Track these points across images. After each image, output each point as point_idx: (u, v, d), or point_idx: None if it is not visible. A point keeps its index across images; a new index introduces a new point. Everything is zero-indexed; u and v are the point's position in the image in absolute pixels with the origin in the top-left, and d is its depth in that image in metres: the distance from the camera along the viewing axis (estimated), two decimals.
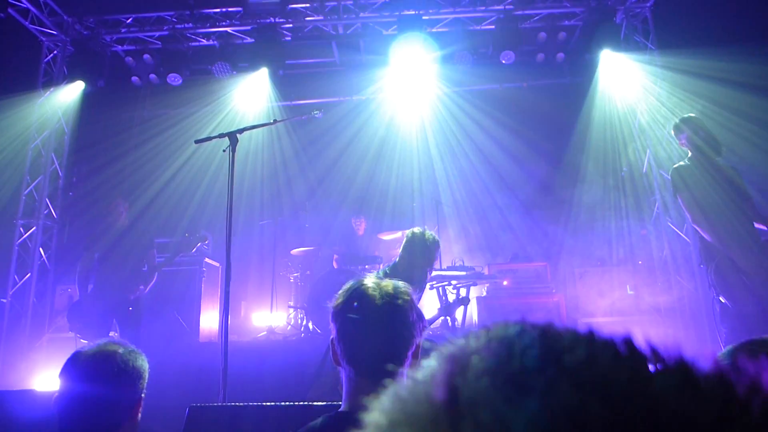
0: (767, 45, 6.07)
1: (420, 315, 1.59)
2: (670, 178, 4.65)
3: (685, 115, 4.72)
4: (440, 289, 5.85)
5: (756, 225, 4.21)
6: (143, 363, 1.82)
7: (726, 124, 6.16)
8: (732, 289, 4.00)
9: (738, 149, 5.85)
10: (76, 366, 1.71)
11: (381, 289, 1.56)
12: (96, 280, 5.55)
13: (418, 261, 4.31)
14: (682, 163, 4.52)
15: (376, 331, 1.51)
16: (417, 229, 4.48)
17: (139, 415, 1.80)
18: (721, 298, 4.08)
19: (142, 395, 1.81)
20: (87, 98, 7.92)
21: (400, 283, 1.62)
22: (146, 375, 1.83)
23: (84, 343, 5.26)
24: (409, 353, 1.53)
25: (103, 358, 1.72)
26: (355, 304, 1.53)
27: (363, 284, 1.58)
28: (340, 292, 1.61)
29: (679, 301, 6.58)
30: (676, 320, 6.24)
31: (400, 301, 1.54)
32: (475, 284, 6.19)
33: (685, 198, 4.33)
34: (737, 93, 6.32)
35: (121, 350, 1.77)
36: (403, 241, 4.48)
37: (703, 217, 4.20)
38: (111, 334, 5.56)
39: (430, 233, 4.43)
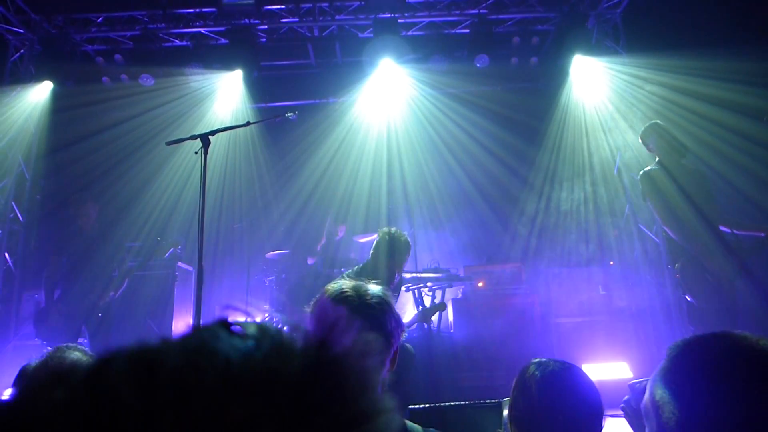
0: (735, 51, 6.24)
1: (399, 321, 1.59)
2: (639, 181, 4.77)
3: (651, 122, 4.87)
4: (416, 291, 5.87)
5: (720, 227, 4.34)
6: None
7: (694, 128, 6.31)
8: (698, 289, 4.11)
9: (706, 152, 6.00)
10: (24, 378, 1.66)
11: (361, 296, 1.56)
12: (64, 286, 5.42)
13: (385, 261, 4.34)
14: (650, 167, 4.65)
15: None
16: (388, 229, 4.50)
17: None
18: (687, 297, 4.18)
19: None
20: (55, 98, 7.73)
21: (381, 291, 1.61)
22: None
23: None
24: (387, 359, 1.53)
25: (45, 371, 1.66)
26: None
27: (343, 291, 1.57)
28: (319, 297, 1.60)
29: (649, 300, 6.72)
30: (646, 319, 6.36)
31: (380, 309, 1.54)
32: (450, 286, 6.22)
33: (654, 201, 4.45)
34: (706, 97, 6.47)
35: (69, 360, 1.71)
36: (375, 241, 4.50)
37: (671, 219, 4.32)
38: (80, 341, 5.44)
39: (401, 234, 4.45)
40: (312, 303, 1.62)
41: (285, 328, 0.48)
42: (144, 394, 0.38)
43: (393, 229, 4.54)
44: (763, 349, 1.01)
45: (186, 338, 0.45)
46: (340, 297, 1.56)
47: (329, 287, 1.63)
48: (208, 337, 0.44)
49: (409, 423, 1.68)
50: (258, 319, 0.51)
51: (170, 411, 0.37)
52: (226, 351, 0.42)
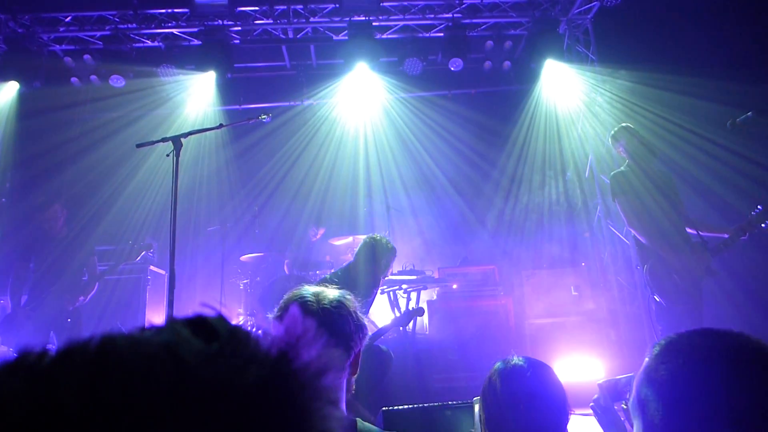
0: (704, 54, 6.43)
1: (359, 325, 1.59)
2: (609, 183, 4.87)
3: (621, 125, 4.96)
4: (391, 293, 5.89)
5: (687, 229, 4.46)
6: None
7: (664, 130, 6.47)
8: (665, 289, 4.21)
9: (674, 155, 6.16)
10: None
11: (320, 299, 1.56)
12: (31, 291, 5.28)
13: (369, 267, 4.35)
14: (621, 169, 4.75)
15: None
16: (375, 236, 4.52)
17: None
18: (656, 297, 4.28)
19: None
20: (22, 99, 7.55)
21: (342, 293, 1.62)
22: None
23: None
24: (348, 363, 1.53)
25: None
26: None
27: (302, 294, 1.57)
28: (281, 302, 1.60)
29: (620, 301, 6.86)
30: (617, 319, 6.49)
31: (337, 312, 1.55)
32: (425, 288, 6.26)
33: (621, 203, 4.54)
34: (673, 101, 6.64)
35: None
36: (360, 245, 4.51)
37: (638, 221, 4.43)
38: (49, 347, 5.31)
39: (387, 241, 4.48)
40: (277, 308, 1.62)
41: (256, 332, 0.47)
42: (85, 391, 0.37)
43: (378, 235, 4.57)
44: (744, 344, 1.04)
45: (148, 335, 0.43)
46: (299, 301, 1.56)
47: (292, 291, 1.63)
48: (171, 335, 0.43)
49: (361, 423, 1.67)
50: (234, 321, 0.49)
51: (109, 413, 0.36)
52: (184, 353, 0.41)
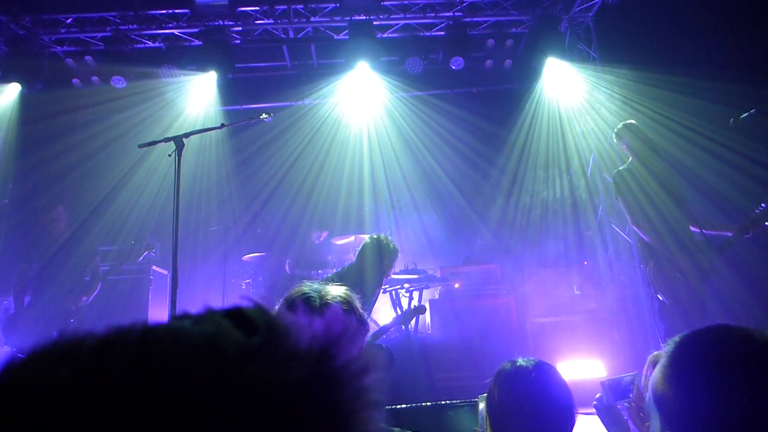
0: (706, 53, 6.41)
1: (362, 321, 1.59)
2: (612, 181, 4.85)
3: (626, 122, 4.94)
4: (393, 292, 5.88)
5: (690, 227, 4.44)
6: None
7: (666, 128, 6.46)
8: (669, 287, 4.20)
9: (676, 153, 6.14)
10: None
11: (321, 296, 1.56)
12: (34, 292, 5.29)
13: (372, 266, 4.35)
14: (623, 167, 4.73)
15: None
16: (377, 236, 4.52)
17: None
18: (659, 296, 4.27)
19: None
20: (24, 101, 7.55)
21: (342, 290, 1.62)
22: None
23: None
24: None
25: None
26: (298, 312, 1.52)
27: (303, 291, 1.58)
28: (283, 299, 1.60)
29: (622, 299, 6.84)
30: (619, 318, 6.48)
31: (339, 308, 1.55)
32: (427, 287, 6.26)
33: (625, 200, 4.53)
34: (675, 99, 6.62)
35: None
36: (362, 245, 4.51)
37: (642, 219, 4.41)
38: None
39: (389, 240, 4.48)
40: (279, 305, 1.62)
41: (294, 325, 0.46)
42: (131, 382, 0.37)
43: (381, 235, 4.57)
44: (761, 340, 1.04)
45: (188, 324, 0.43)
46: (302, 298, 1.57)
47: (295, 288, 1.63)
48: (212, 326, 0.43)
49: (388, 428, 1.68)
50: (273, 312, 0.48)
51: (155, 404, 0.36)
52: (226, 346, 0.41)
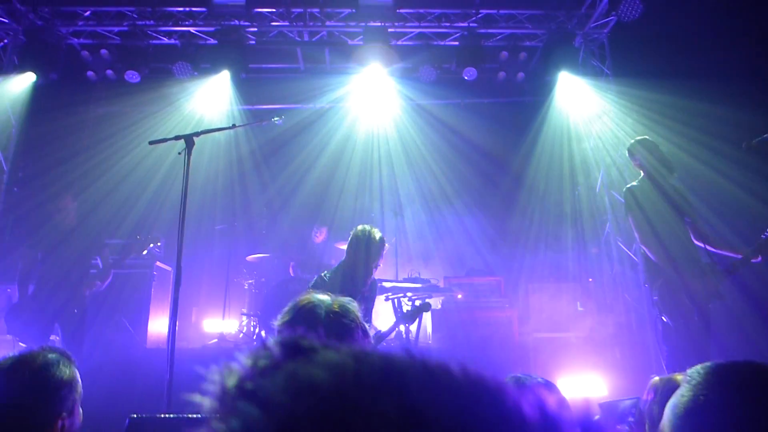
0: (719, 73, 6.38)
1: (365, 332, 1.59)
2: (622, 198, 4.80)
3: (640, 137, 4.89)
4: (395, 300, 5.86)
5: (695, 242, 4.39)
6: (67, 374, 1.72)
7: (678, 146, 6.42)
8: (674, 309, 4.15)
9: (688, 171, 6.10)
10: None
11: (327, 307, 1.56)
12: (38, 281, 5.30)
13: (362, 258, 4.40)
14: (635, 183, 4.67)
15: None
16: (361, 227, 4.56)
17: (70, 426, 1.71)
18: (663, 317, 4.23)
19: (71, 407, 1.72)
20: (38, 91, 7.60)
21: (347, 301, 1.62)
22: (75, 386, 1.74)
23: (23, 347, 5.00)
24: None
25: (14, 371, 1.64)
26: (302, 323, 1.52)
27: (310, 301, 1.57)
28: (286, 308, 1.60)
29: (625, 318, 6.79)
30: (622, 337, 6.43)
31: (346, 320, 1.55)
32: (430, 297, 6.23)
33: (635, 217, 4.47)
34: (688, 117, 6.59)
35: (39, 361, 1.68)
36: (349, 239, 4.55)
37: (651, 237, 4.35)
38: (52, 337, 5.33)
39: (374, 231, 4.51)
40: (283, 314, 1.61)
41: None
42: (402, 399, 0.40)
43: (367, 227, 4.61)
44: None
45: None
46: (307, 307, 1.56)
47: (299, 298, 1.63)
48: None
49: None
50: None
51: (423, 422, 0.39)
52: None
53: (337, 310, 1.56)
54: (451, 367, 0.45)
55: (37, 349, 1.75)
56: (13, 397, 1.62)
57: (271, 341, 0.47)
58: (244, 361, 0.46)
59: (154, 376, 5.13)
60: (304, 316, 1.53)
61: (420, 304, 4.97)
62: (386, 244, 4.67)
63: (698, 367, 1.11)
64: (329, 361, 0.44)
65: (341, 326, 1.53)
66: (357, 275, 4.35)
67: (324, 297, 1.61)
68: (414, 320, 5.08)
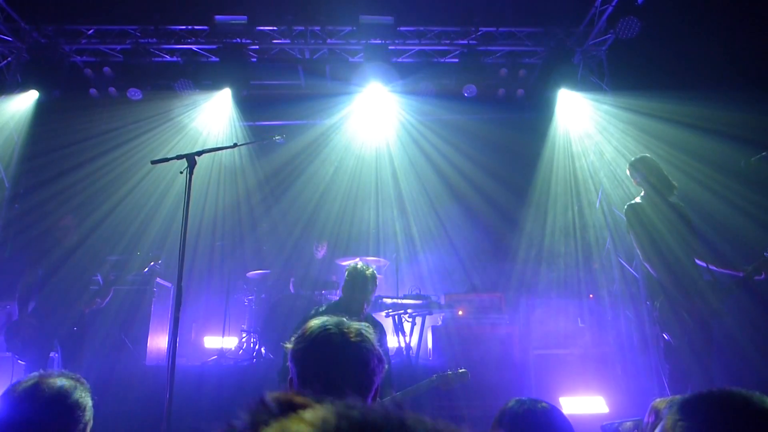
0: (715, 90, 6.42)
1: (381, 358, 1.59)
2: (623, 214, 4.81)
3: (640, 155, 4.91)
4: (396, 317, 5.85)
5: (696, 260, 4.39)
6: (83, 397, 1.77)
7: (677, 164, 6.44)
8: (675, 327, 4.14)
9: (688, 189, 6.11)
10: (6, 400, 1.66)
11: (345, 334, 1.56)
12: (39, 299, 5.29)
13: (357, 295, 4.45)
14: (636, 200, 4.67)
15: (340, 375, 1.50)
16: (354, 265, 4.62)
17: None
18: (665, 335, 4.21)
19: (83, 431, 1.75)
20: (41, 108, 7.66)
21: (364, 328, 1.62)
22: (88, 408, 1.79)
23: (21, 364, 4.97)
24: (369, 397, 1.53)
25: (34, 392, 1.68)
26: (320, 349, 1.52)
27: (327, 328, 1.57)
28: (302, 333, 1.59)
29: (626, 335, 6.77)
30: (623, 354, 6.40)
31: (363, 347, 1.55)
32: (430, 313, 6.21)
33: (637, 235, 4.47)
34: (687, 135, 6.62)
35: (57, 384, 1.72)
36: (345, 277, 4.60)
37: (653, 254, 4.35)
38: (51, 354, 5.31)
39: (365, 267, 4.57)
40: (295, 337, 1.61)
41: None
42: None
43: (359, 264, 4.67)
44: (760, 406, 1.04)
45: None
46: (323, 334, 1.56)
47: (311, 324, 1.62)
48: None
49: None
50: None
51: None
52: None
53: (355, 337, 1.56)
54: (426, 425, 0.48)
55: (56, 373, 1.80)
56: (31, 417, 1.66)
57: (269, 397, 0.53)
58: (243, 417, 0.52)
59: (154, 393, 5.12)
60: (322, 343, 1.53)
61: (459, 373, 4.49)
62: (378, 276, 4.72)
63: (679, 396, 1.15)
64: (315, 419, 0.49)
65: (359, 354, 1.53)
66: (351, 311, 4.38)
67: (338, 320, 1.61)
68: (450, 384, 4.61)
